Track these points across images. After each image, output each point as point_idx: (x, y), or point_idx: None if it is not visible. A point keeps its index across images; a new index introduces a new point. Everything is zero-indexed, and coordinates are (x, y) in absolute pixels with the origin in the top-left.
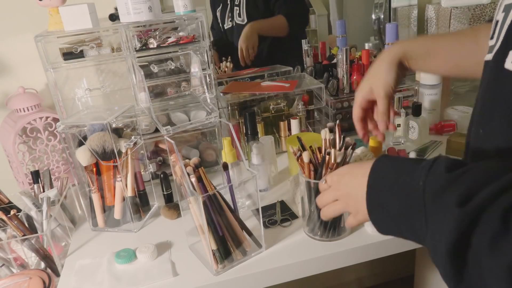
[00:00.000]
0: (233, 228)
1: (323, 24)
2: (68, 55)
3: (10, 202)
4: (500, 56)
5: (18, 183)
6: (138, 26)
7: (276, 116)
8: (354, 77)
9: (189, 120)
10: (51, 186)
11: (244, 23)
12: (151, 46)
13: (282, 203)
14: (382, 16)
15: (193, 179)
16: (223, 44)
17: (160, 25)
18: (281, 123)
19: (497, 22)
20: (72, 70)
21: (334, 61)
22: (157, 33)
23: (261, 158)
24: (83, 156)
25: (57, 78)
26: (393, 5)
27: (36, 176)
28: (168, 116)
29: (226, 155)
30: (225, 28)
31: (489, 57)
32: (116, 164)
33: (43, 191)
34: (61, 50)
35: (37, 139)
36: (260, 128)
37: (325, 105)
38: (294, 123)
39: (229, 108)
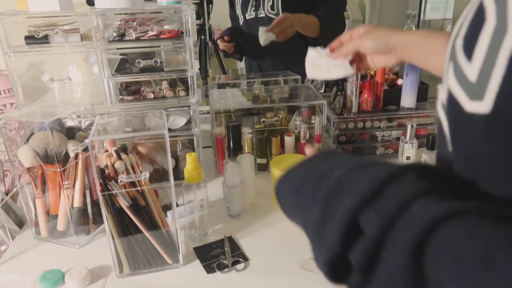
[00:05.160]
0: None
1: None
2: (30, 39)
3: None
4: None
5: None
6: (120, 14)
7: (272, 130)
8: (365, 95)
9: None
10: (3, 182)
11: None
12: (128, 38)
13: (231, 239)
14: (414, 28)
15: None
16: (239, 36)
17: (145, 15)
18: (273, 139)
19: None
20: (49, 56)
21: None
22: (135, 24)
23: (236, 180)
24: (24, 156)
25: (21, 64)
26: (427, 17)
27: None
28: (143, 119)
29: (189, 174)
30: (247, 18)
31: None
32: (61, 169)
33: None
34: (30, 33)
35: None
36: (247, 142)
37: (327, 122)
38: (289, 141)
39: (214, 115)
